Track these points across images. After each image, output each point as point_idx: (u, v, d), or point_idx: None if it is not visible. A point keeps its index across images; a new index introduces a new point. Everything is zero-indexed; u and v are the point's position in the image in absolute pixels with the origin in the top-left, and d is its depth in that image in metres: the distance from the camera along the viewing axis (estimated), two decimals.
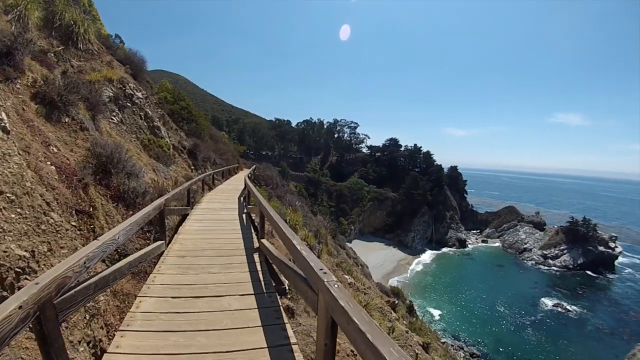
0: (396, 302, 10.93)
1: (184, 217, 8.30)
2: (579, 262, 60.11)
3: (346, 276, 10.81)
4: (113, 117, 9.94)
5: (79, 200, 4.81)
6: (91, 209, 4.96)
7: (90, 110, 8.07)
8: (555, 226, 70.68)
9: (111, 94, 10.61)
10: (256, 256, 5.77)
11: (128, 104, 11.59)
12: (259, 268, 5.19)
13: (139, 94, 12.72)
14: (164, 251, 5.63)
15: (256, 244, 6.44)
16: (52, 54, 8.62)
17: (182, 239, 6.72)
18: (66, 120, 6.75)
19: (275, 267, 4.85)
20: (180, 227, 7.53)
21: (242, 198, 11.70)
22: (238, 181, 20.33)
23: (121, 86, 11.73)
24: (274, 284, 4.63)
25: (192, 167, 16.92)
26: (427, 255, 67.97)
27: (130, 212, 6.05)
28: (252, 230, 7.85)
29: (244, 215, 9.85)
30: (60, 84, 6.83)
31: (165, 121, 16.07)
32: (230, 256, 5.80)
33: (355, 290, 9.36)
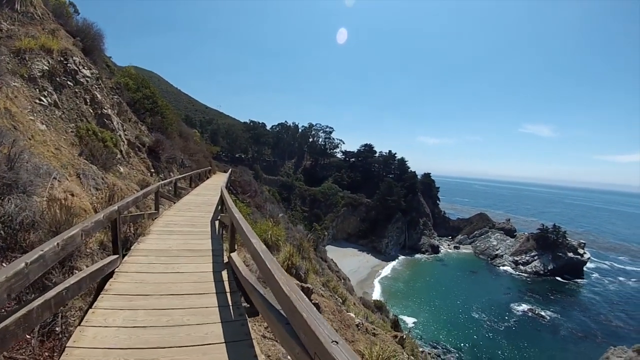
0: (404, 337, 9.39)
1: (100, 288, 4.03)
2: (549, 268, 61.51)
3: (351, 314, 9.18)
4: (43, 98, 7.80)
5: None
6: None
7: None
8: (526, 233, 72.02)
9: (46, 68, 8.48)
10: (224, 274, 4.86)
11: (69, 82, 9.33)
12: (227, 288, 4.36)
13: (87, 72, 10.43)
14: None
15: (226, 259, 5.45)
16: None
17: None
18: None
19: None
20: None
21: (216, 221, 8.88)
22: (210, 190, 16.69)
23: (62, 59, 9.48)
24: (244, 304, 3.98)
25: (152, 170, 13.89)
26: (401, 261, 67.45)
27: None
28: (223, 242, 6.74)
29: (216, 223, 8.55)
30: None
31: (121, 110, 13.40)
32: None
33: (364, 333, 7.79)
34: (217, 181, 22.00)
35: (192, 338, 3.00)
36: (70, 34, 12.23)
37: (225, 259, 5.46)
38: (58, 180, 5.86)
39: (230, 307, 3.76)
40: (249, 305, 3.89)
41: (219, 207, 10.17)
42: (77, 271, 4.22)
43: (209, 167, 27.37)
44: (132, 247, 5.81)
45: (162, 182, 10.19)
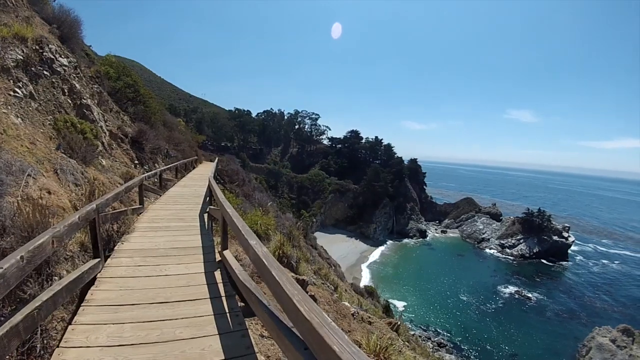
0: (398, 323, 9.34)
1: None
2: (534, 251, 62.87)
3: (346, 303, 9.08)
4: (17, 90, 7.29)
5: None
6: None
7: None
8: (512, 217, 73.11)
9: (20, 57, 7.92)
10: (217, 274, 4.47)
11: (45, 72, 8.69)
12: (221, 292, 3.97)
13: (64, 61, 9.80)
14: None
15: (218, 257, 5.15)
16: None
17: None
18: None
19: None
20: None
21: (204, 214, 8.43)
22: (197, 180, 16.27)
23: (38, 48, 8.88)
24: (240, 304, 3.74)
25: (136, 162, 13.23)
26: (389, 246, 68.12)
27: None
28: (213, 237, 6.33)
29: (205, 216, 8.06)
30: None
31: (102, 100, 12.74)
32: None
33: (360, 321, 7.66)
34: (204, 171, 21.54)
35: (187, 356, 2.68)
36: (46, 21, 11.57)
37: (218, 257, 5.14)
38: (33, 178, 5.39)
39: (228, 314, 3.42)
40: (244, 305, 3.67)
41: (207, 198, 9.76)
42: (56, 278, 3.90)
43: (195, 157, 26.61)
44: (115, 248, 5.33)
45: (146, 174, 9.56)
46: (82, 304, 3.39)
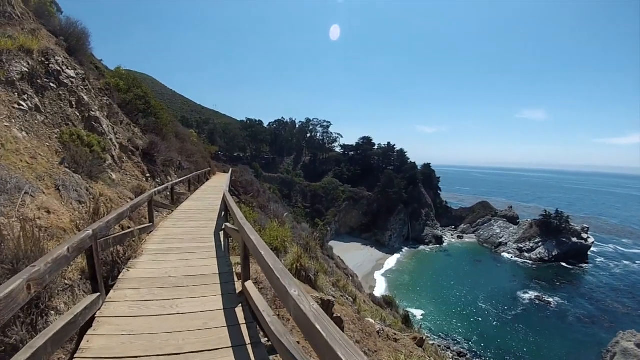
0: (423, 338, 8.68)
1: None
2: (553, 254, 61.15)
3: (370, 319, 8.48)
4: (22, 102, 6.89)
5: None
6: None
7: None
8: (529, 219, 71.45)
9: (25, 70, 7.55)
10: (239, 311, 3.81)
11: (52, 84, 8.34)
12: (246, 337, 3.26)
13: (71, 72, 9.45)
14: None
15: (238, 287, 4.49)
16: None
17: None
18: None
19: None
20: None
21: (220, 232, 7.63)
22: (211, 193, 15.53)
23: (43, 60, 8.54)
24: (262, 340, 3.25)
25: (148, 175, 12.71)
26: (405, 254, 67.08)
27: None
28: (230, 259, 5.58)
29: (221, 234, 7.30)
30: None
31: (112, 112, 12.40)
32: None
33: (385, 339, 7.04)
34: (218, 182, 21.10)
35: None
36: (52, 33, 11.28)
37: (238, 287, 4.46)
38: (31, 196, 4.89)
39: None
40: (269, 342, 3.12)
41: (222, 213, 9.07)
42: (52, 313, 3.36)
43: (209, 168, 26.16)
44: (120, 277, 4.66)
45: (156, 189, 8.90)
46: (75, 356, 2.77)
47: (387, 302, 20.55)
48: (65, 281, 4.00)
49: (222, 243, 6.81)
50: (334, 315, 6.37)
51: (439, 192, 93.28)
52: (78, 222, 5.38)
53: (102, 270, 4.15)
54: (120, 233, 5.57)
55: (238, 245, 4.92)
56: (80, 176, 7.09)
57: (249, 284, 3.96)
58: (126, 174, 10.52)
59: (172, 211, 10.37)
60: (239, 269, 5.00)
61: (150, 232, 7.45)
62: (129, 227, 6.94)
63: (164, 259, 5.61)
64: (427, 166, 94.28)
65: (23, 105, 6.99)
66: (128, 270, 4.92)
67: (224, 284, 4.58)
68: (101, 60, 25.98)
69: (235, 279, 4.82)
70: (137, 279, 4.64)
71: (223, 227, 7.42)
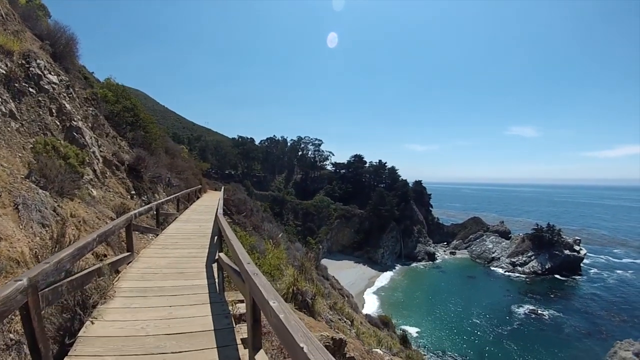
0: None
1: None
2: (546, 267, 61.49)
3: (379, 350, 7.96)
4: None
5: None
6: None
7: None
8: (521, 234, 71.84)
9: (2, 71, 6.98)
10: None
11: (31, 89, 7.79)
12: None
13: (53, 78, 8.89)
14: None
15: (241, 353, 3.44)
16: None
17: None
18: None
19: None
20: None
21: (213, 264, 6.54)
22: (202, 213, 14.42)
23: (24, 62, 7.98)
24: None
25: (133, 192, 11.76)
26: (398, 271, 66.61)
27: None
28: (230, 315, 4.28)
29: (214, 266, 6.28)
30: None
31: (97, 124, 11.70)
32: None
33: None
34: (209, 201, 20.24)
35: None
36: (38, 37, 10.83)
37: (241, 354, 3.39)
38: None
39: None
40: None
41: (215, 238, 7.97)
42: None
43: (200, 186, 25.16)
44: (80, 333, 3.49)
45: (136, 210, 7.50)
46: None
47: (383, 323, 20.11)
48: (11, 335, 3.13)
49: (216, 280, 5.63)
50: (347, 356, 5.88)
51: (430, 208, 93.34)
52: (38, 250, 4.43)
53: (57, 324, 3.25)
54: (81, 273, 4.10)
55: (245, 303, 3.45)
56: (48, 193, 6.07)
57: (262, 356, 2.94)
58: (109, 191, 9.68)
59: (158, 235, 9.31)
60: (241, 326, 4.06)
61: (129, 262, 6.31)
62: (104, 256, 5.94)
63: (141, 305, 4.39)
64: (418, 183, 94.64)
65: None
66: (93, 323, 3.73)
67: (222, 350, 3.46)
68: (93, 73, 25.53)
69: (238, 341, 3.65)
70: (103, 339, 3.46)
71: (216, 257, 6.40)
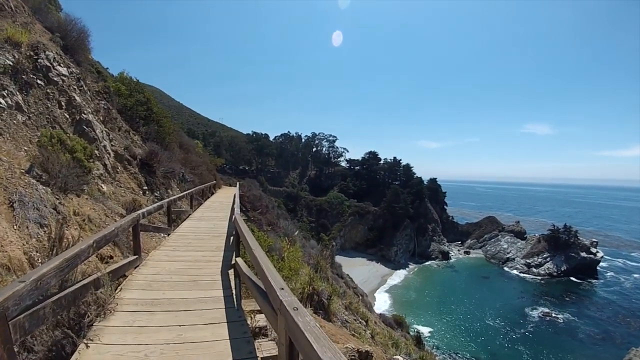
0: None
1: None
2: (562, 269, 59.94)
3: (399, 357, 7.66)
4: (1, 99, 6.11)
5: None
6: None
7: None
8: (537, 234, 70.30)
9: (9, 63, 6.78)
10: None
11: (39, 81, 7.54)
12: None
13: (63, 70, 8.64)
14: None
15: None
16: None
17: None
18: None
19: None
20: None
21: (229, 270, 5.84)
22: (217, 210, 13.74)
23: (32, 54, 7.74)
24: None
25: (145, 187, 11.38)
26: (411, 269, 65.96)
27: None
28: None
29: (230, 274, 5.56)
30: None
31: (109, 117, 11.51)
32: None
33: None
34: (224, 197, 19.86)
35: None
36: (49, 30, 10.64)
37: None
38: None
39: None
40: None
41: (231, 239, 7.32)
42: None
43: (214, 182, 24.56)
44: (72, 358, 2.88)
45: (145, 209, 6.83)
46: None
47: (397, 323, 19.81)
48: None
49: (233, 291, 4.88)
50: None
51: (445, 207, 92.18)
52: (34, 254, 3.98)
53: (48, 343, 2.70)
54: (72, 288, 3.40)
55: (278, 335, 2.69)
56: (49, 189, 5.55)
57: None
58: (120, 186, 9.42)
59: (169, 234, 8.65)
60: (260, 342, 3.57)
61: (136, 266, 5.66)
62: (110, 257, 5.34)
63: (146, 323, 3.67)
64: (433, 181, 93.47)
65: (1, 102, 6.20)
66: (87, 347, 3.06)
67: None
68: (107, 68, 25.53)
69: None
70: None
71: (233, 262, 5.77)
